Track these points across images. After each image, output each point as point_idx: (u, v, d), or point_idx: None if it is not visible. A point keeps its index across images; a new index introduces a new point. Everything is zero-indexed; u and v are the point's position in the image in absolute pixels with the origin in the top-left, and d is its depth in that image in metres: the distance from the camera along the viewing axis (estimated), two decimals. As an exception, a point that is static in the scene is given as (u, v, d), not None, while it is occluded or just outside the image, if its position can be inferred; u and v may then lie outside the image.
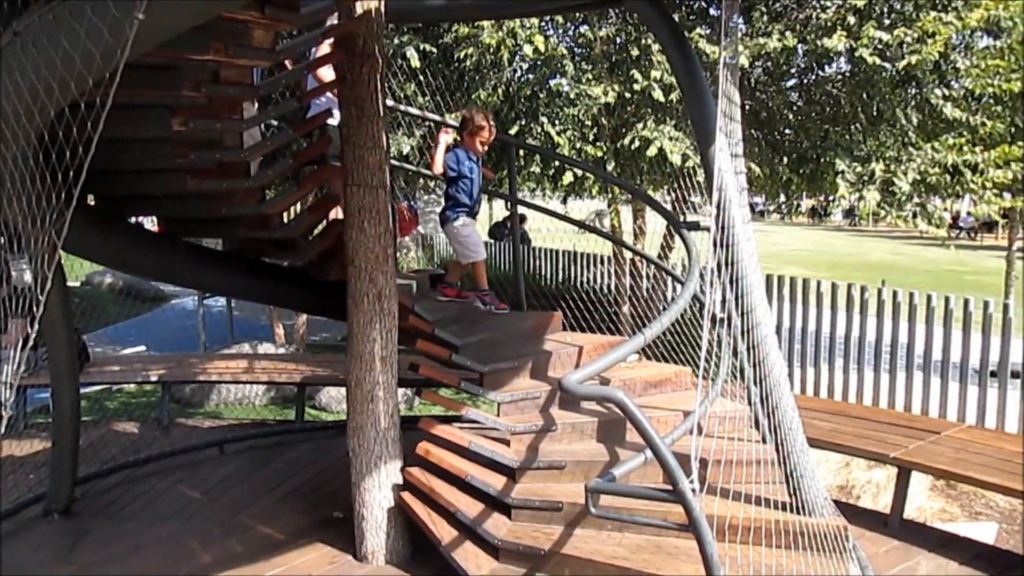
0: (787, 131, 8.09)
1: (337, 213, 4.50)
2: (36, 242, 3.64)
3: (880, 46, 6.52)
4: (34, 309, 2.66)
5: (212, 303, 12.27)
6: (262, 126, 4.66)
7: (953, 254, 22.21)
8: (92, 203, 4.15)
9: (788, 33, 6.85)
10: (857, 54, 6.49)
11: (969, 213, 31.92)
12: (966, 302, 5.97)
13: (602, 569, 3.39)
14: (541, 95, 7.39)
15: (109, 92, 2.27)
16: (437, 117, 6.26)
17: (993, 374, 5.80)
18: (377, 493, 3.94)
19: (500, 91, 7.26)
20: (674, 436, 2.75)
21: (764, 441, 3.74)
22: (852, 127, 7.56)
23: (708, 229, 4.09)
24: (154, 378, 6.69)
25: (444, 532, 3.73)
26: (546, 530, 3.62)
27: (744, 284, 3.42)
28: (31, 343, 2.47)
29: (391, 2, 3.99)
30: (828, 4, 7.02)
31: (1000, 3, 6.62)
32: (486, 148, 4.94)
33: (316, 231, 4.44)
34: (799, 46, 6.98)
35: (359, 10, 3.72)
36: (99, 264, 8.41)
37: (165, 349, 9.55)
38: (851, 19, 6.64)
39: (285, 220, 4.14)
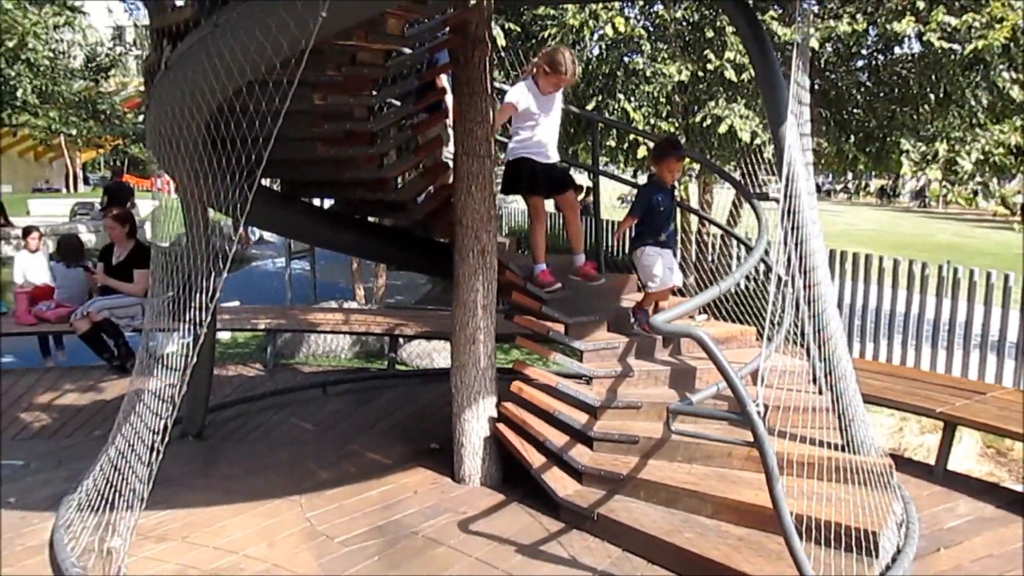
0: (855, 110, 8.35)
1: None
2: (193, 196, 4.29)
3: (948, 30, 6.77)
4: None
5: (294, 265, 12.99)
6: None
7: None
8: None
9: (859, 16, 7.14)
10: (925, 38, 6.75)
11: (1045, 197, 31.17)
12: (1027, 281, 6.25)
13: (673, 492, 3.90)
14: (619, 73, 7.81)
15: (296, 73, 2.85)
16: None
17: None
18: (475, 424, 4.50)
19: (580, 69, 7.70)
20: (743, 372, 3.22)
21: (820, 392, 4.22)
22: (920, 108, 7.80)
23: (776, 200, 4.56)
24: (262, 326, 7.42)
25: (534, 458, 4.29)
26: (624, 459, 4.14)
27: (807, 247, 3.88)
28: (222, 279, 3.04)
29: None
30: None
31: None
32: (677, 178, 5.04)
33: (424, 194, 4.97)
34: (869, 29, 7.25)
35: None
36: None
37: (254, 307, 10.28)
38: (920, 3, 6.89)
39: (399, 184, 4.70)
